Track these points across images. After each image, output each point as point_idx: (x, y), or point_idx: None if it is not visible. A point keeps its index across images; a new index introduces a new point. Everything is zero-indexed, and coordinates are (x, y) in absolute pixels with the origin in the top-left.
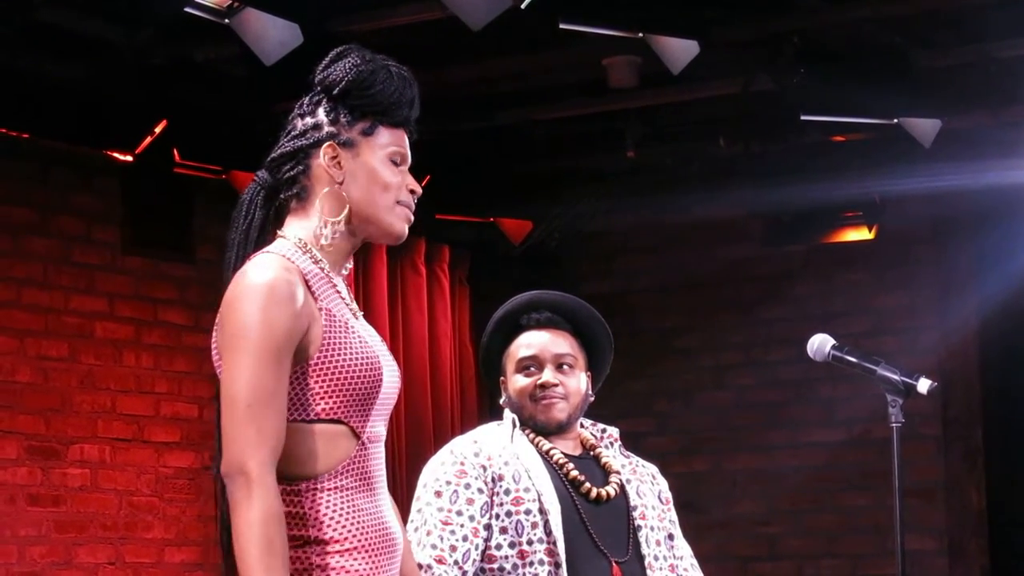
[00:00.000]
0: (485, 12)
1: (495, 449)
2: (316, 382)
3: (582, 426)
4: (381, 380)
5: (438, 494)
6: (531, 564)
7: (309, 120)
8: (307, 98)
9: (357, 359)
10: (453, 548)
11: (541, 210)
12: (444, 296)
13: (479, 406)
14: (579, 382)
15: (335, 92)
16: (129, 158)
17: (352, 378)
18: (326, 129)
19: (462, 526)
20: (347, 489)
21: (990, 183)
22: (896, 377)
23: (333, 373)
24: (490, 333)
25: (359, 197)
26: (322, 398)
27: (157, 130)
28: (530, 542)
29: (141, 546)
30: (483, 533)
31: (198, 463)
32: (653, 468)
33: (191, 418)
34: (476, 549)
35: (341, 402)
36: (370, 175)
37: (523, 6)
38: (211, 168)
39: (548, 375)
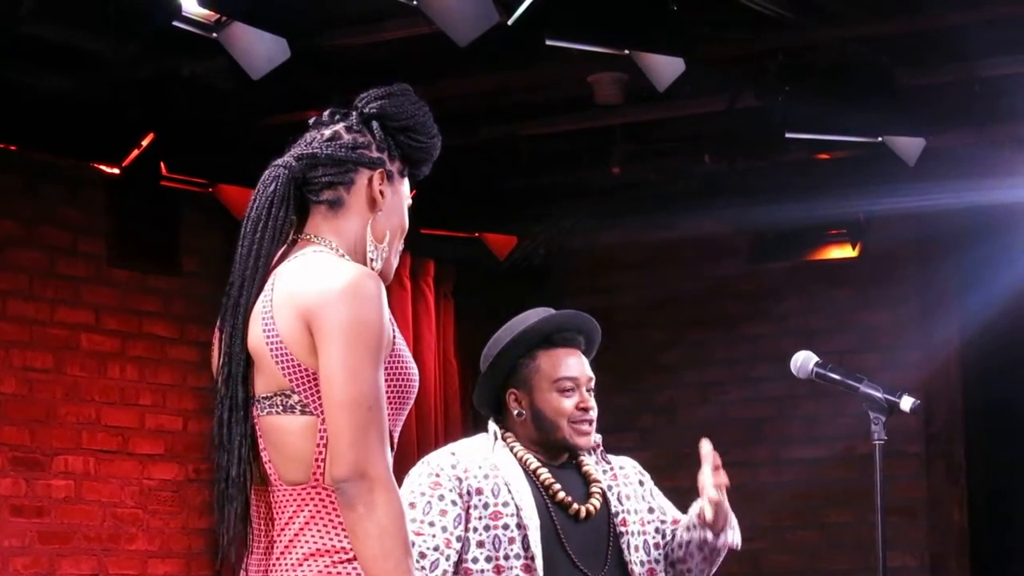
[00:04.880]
0: (472, 28)
1: (474, 461)
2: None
3: None
4: (416, 391)
5: (412, 505)
6: None
7: (359, 137)
8: (355, 115)
9: (409, 367)
10: (423, 555)
11: (526, 226)
12: (429, 311)
13: (463, 420)
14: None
15: (393, 125)
16: (116, 171)
17: (404, 386)
18: (376, 154)
19: (434, 536)
20: None
21: (974, 202)
22: (879, 394)
23: (394, 380)
24: (516, 340)
25: (381, 232)
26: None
27: (144, 143)
28: (507, 557)
29: (124, 558)
30: (455, 545)
31: (182, 475)
32: (636, 464)
33: (175, 430)
34: (447, 560)
35: (393, 409)
36: (399, 217)
37: (510, 22)
38: (198, 181)
39: (589, 399)
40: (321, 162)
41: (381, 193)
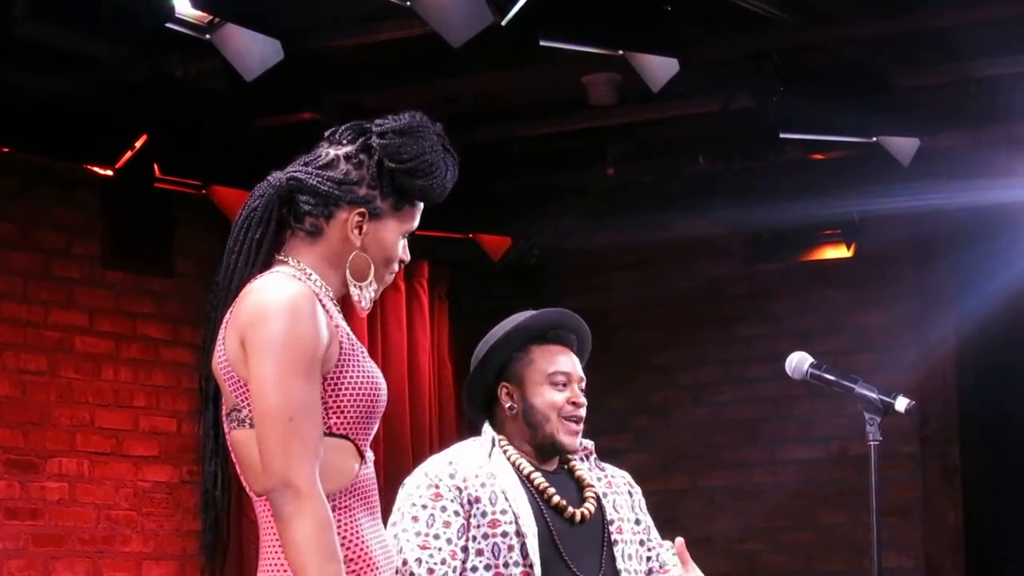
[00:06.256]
0: (466, 29)
1: (471, 470)
2: (330, 396)
3: None
4: (384, 400)
5: (415, 519)
6: None
7: (353, 171)
8: (361, 140)
9: (367, 377)
10: (431, 571)
11: (521, 226)
12: (423, 312)
13: (458, 422)
14: None
15: (393, 167)
16: (109, 173)
17: (361, 395)
18: (364, 192)
19: (440, 550)
20: (353, 510)
21: (968, 202)
22: (874, 395)
23: (346, 389)
24: (508, 337)
25: (362, 267)
26: (333, 412)
27: (137, 145)
28: (506, 565)
29: (119, 560)
30: (460, 556)
31: (176, 477)
32: (627, 476)
33: (169, 432)
34: (454, 572)
35: (349, 419)
36: (382, 251)
37: (504, 23)
38: (191, 183)
39: (580, 396)
40: (305, 190)
41: (360, 229)
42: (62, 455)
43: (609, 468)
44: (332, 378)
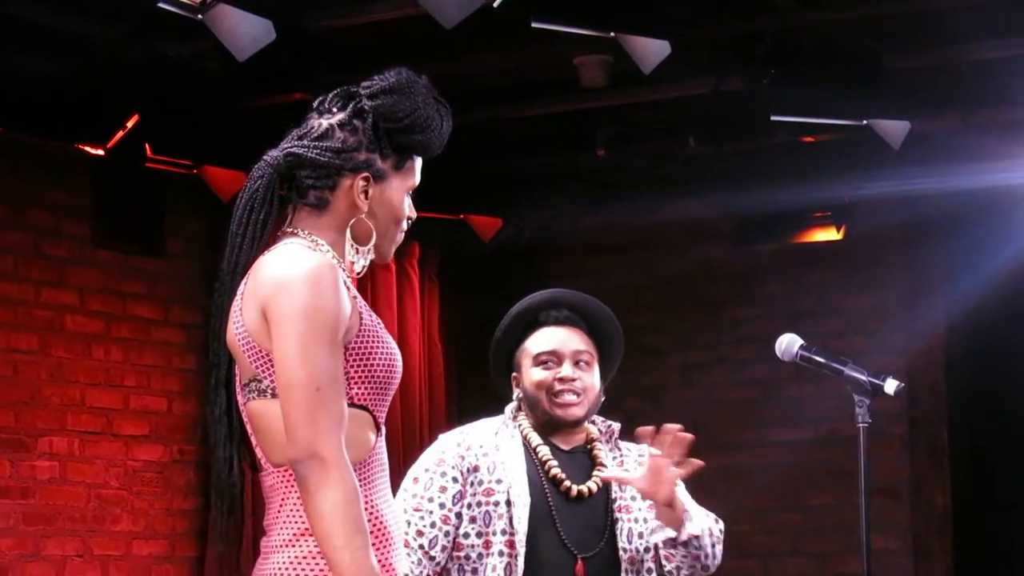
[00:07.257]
0: (458, 10)
1: (477, 440)
2: (352, 366)
3: (591, 421)
4: (399, 373)
5: (415, 480)
6: (492, 555)
7: (350, 137)
8: (352, 106)
9: (386, 349)
10: (420, 533)
11: (512, 208)
12: (413, 293)
13: (447, 402)
14: (594, 379)
15: (388, 126)
16: (100, 152)
17: (380, 367)
18: (364, 156)
19: (431, 512)
20: (369, 481)
21: (959, 186)
22: (863, 377)
23: (366, 359)
24: (506, 328)
25: (365, 232)
26: (355, 383)
27: (129, 125)
28: (495, 532)
29: (109, 539)
30: (454, 520)
31: (167, 456)
32: (646, 451)
33: (160, 411)
34: (445, 536)
35: (368, 390)
36: (391, 211)
37: (496, 4)
38: (183, 163)
39: (567, 369)
40: (305, 164)
41: (365, 194)
42: (53, 434)
43: (629, 447)
44: (354, 348)
